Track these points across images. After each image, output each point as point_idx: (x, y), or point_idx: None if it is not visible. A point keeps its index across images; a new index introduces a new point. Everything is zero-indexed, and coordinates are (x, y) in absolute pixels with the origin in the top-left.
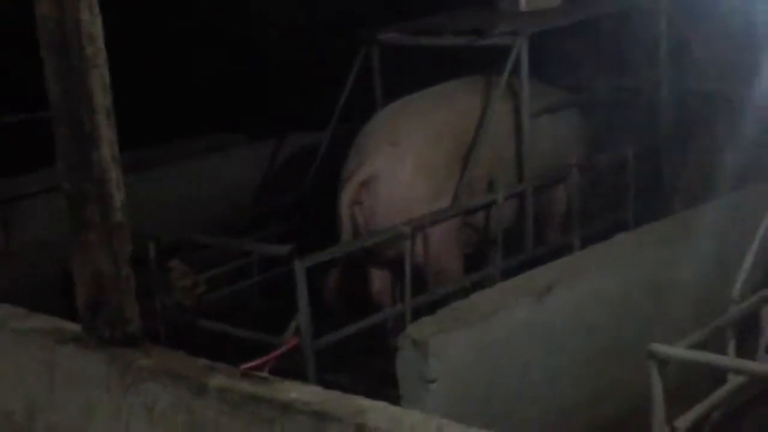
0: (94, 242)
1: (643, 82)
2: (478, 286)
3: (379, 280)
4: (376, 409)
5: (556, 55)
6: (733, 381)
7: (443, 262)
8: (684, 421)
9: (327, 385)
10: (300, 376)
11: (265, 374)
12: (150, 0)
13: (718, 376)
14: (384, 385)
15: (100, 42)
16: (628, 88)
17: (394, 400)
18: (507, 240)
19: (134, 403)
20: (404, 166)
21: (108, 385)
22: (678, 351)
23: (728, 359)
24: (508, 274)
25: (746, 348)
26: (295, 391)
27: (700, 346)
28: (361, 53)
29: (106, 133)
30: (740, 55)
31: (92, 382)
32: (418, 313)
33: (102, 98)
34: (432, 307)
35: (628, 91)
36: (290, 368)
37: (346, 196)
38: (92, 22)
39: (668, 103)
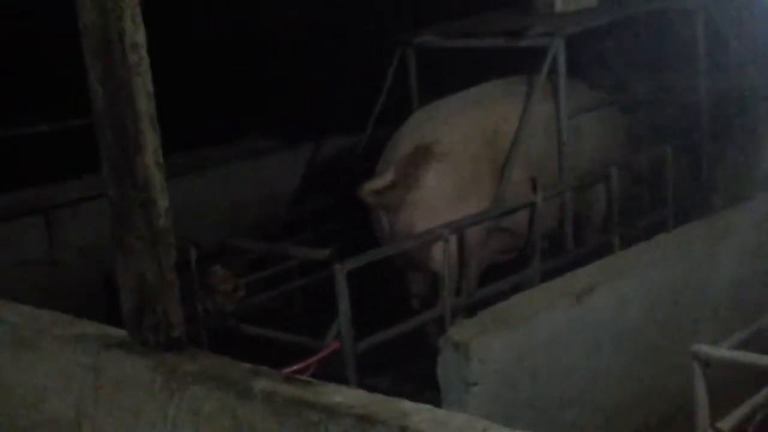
0: (138, 248)
1: (681, 81)
2: (518, 288)
3: (416, 282)
4: (420, 412)
5: (594, 55)
6: None
7: (465, 267)
8: (728, 422)
9: (367, 388)
10: (341, 379)
11: (309, 378)
12: (172, 5)
13: (762, 376)
14: (425, 388)
15: (144, 51)
16: (667, 87)
17: (436, 403)
18: (546, 241)
19: (180, 407)
20: (430, 167)
21: (153, 390)
22: (721, 351)
23: None
24: (547, 275)
25: None
26: (339, 395)
27: (744, 345)
28: (397, 55)
29: (150, 140)
30: None
31: (138, 387)
32: (453, 316)
33: (146, 105)
34: (469, 310)
35: (667, 91)
36: (331, 372)
37: (366, 192)
38: (135, 31)
39: (706, 102)
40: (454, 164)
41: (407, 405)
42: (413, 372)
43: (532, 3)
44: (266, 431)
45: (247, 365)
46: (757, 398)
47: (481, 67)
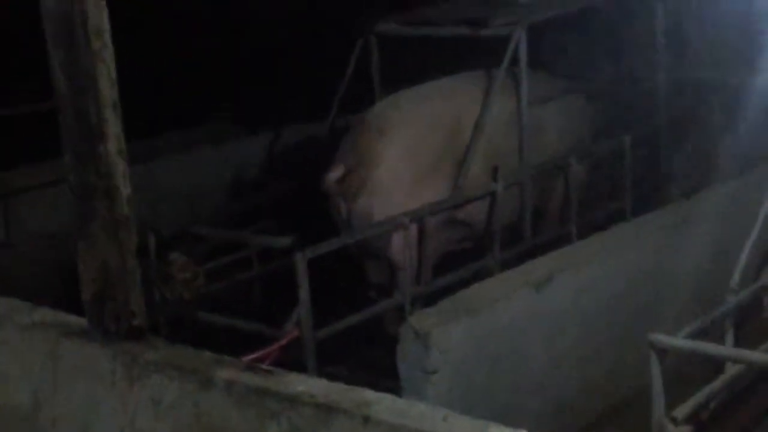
0: (100, 235)
1: (640, 70)
2: (476, 277)
3: (373, 271)
4: (381, 401)
5: (554, 45)
6: (731, 370)
7: (423, 255)
8: (683, 410)
9: (326, 376)
10: (300, 367)
11: (270, 367)
12: None
13: (717, 364)
14: (383, 377)
15: (107, 36)
16: (626, 76)
17: (394, 391)
18: (504, 231)
19: (141, 396)
20: (388, 154)
21: (113, 379)
22: (677, 341)
23: (727, 349)
24: (505, 265)
25: (744, 335)
26: (301, 384)
27: (699, 335)
28: (359, 43)
29: (113, 127)
30: (738, 42)
31: (98, 375)
32: (412, 305)
33: (109, 92)
34: (427, 299)
35: (626, 80)
36: (290, 360)
37: (329, 181)
38: (99, 16)
39: (665, 91)
40: (414, 154)
41: (369, 394)
42: (371, 360)
43: None
44: (227, 420)
45: (209, 354)
46: (712, 387)
47: (443, 55)
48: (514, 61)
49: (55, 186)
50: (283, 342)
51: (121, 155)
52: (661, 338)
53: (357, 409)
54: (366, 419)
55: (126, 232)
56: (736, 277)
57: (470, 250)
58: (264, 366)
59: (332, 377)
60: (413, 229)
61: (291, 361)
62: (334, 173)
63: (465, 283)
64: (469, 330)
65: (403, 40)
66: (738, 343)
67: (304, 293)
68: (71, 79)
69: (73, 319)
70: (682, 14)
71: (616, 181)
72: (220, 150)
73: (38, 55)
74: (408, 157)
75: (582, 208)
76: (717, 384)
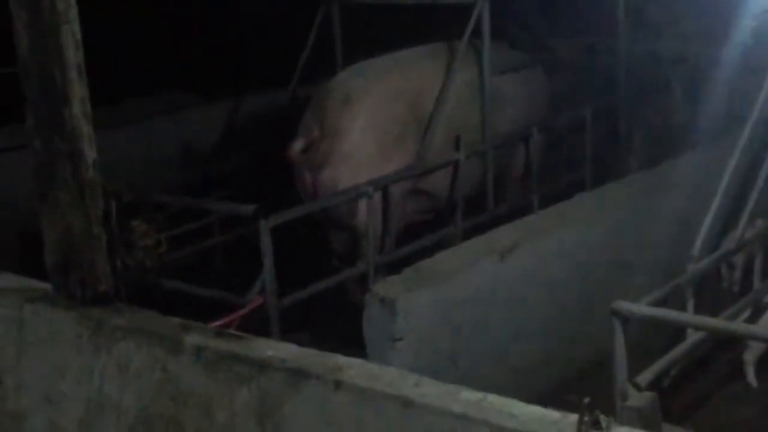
0: (65, 201)
1: (601, 42)
2: (439, 245)
3: (336, 239)
4: (353, 366)
5: (517, 16)
6: (692, 337)
7: (387, 224)
8: (645, 376)
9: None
10: (263, 335)
11: (239, 332)
12: None
13: (676, 333)
14: (345, 345)
15: None
16: (587, 48)
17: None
18: (466, 201)
19: (107, 362)
20: (353, 124)
21: (79, 345)
22: (640, 308)
23: (689, 316)
24: (468, 234)
25: (702, 304)
26: (271, 349)
27: (661, 303)
28: (321, 11)
29: (78, 90)
30: (699, 14)
31: (63, 341)
32: (375, 273)
33: (74, 55)
34: (390, 268)
35: (587, 52)
36: (254, 327)
37: (294, 152)
38: None
39: (624, 64)
40: (378, 123)
41: (340, 359)
42: (333, 328)
43: None
44: (196, 385)
45: (177, 320)
46: (673, 354)
47: (407, 24)
48: (477, 30)
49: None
50: (247, 309)
51: (86, 118)
52: (624, 305)
53: (329, 373)
54: (338, 384)
55: (91, 197)
56: (697, 246)
57: (432, 221)
58: (234, 332)
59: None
60: (377, 197)
61: (254, 328)
62: (299, 144)
63: (427, 252)
64: (434, 297)
65: (365, 7)
66: (697, 311)
67: (267, 261)
68: (35, 41)
69: (37, 284)
70: None
71: (576, 152)
72: (178, 118)
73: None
74: (373, 128)
75: (543, 178)
76: (678, 351)
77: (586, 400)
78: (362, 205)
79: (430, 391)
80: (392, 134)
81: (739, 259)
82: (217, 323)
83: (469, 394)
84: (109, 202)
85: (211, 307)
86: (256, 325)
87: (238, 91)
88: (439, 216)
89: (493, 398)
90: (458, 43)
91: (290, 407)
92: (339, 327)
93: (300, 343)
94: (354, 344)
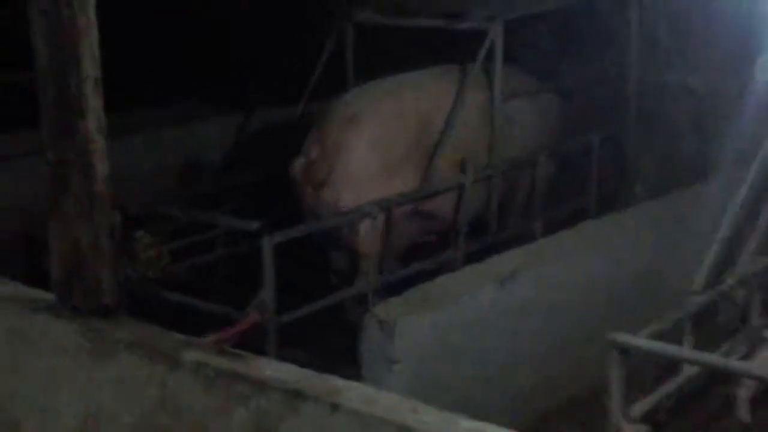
0: (74, 212)
1: (612, 70)
2: (440, 268)
3: (336, 258)
4: (351, 389)
5: (529, 41)
6: (688, 371)
7: (388, 245)
8: (639, 408)
9: (284, 360)
10: (260, 351)
11: (239, 351)
12: None
13: (671, 364)
14: (341, 363)
15: (92, 12)
16: (598, 76)
17: (352, 378)
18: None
19: (106, 375)
20: (357, 143)
21: (79, 356)
22: (639, 341)
23: (687, 351)
24: (469, 258)
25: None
26: (271, 369)
27: (659, 335)
28: (335, 30)
29: (93, 103)
30: (708, 47)
31: (63, 352)
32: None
33: (91, 67)
34: (389, 289)
35: (598, 79)
36: (251, 343)
37: (296, 169)
38: None
39: (635, 92)
40: (383, 143)
41: (339, 382)
42: (329, 346)
43: None
44: (194, 402)
45: (178, 335)
46: (668, 387)
47: (420, 46)
48: (490, 54)
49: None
50: (246, 325)
51: (100, 132)
52: (623, 337)
53: (327, 396)
54: (335, 407)
55: (101, 211)
56: (699, 280)
57: (433, 243)
58: (234, 350)
59: (290, 361)
60: (380, 218)
61: (251, 344)
62: (301, 161)
63: (428, 275)
64: (434, 321)
65: (379, 28)
66: (694, 344)
67: (269, 277)
68: (53, 52)
69: (42, 294)
70: (656, 16)
71: (582, 179)
72: (189, 130)
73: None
74: (377, 148)
75: (547, 204)
76: (673, 384)
77: None
78: (365, 225)
79: (429, 418)
80: (397, 154)
81: (740, 294)
82: (215, 337)
83: (468, 424)
84: (114, 215)
85: (212, 320)
86: (254, 341)
87: (249, 105)
88: (443, 238)
89: (492, 429)
90: (470, 65)
91: (287, 428)
92: (335, 344)
93: (295, 360)
94: (349, 362)
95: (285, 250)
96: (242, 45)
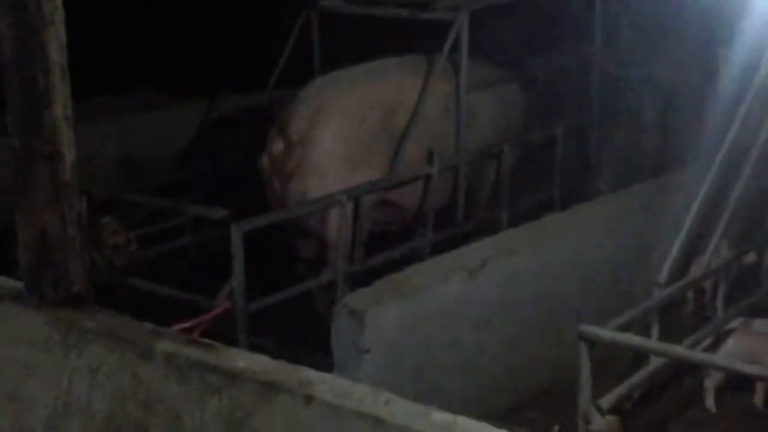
0: (41, 201)
1: (576, 62)
2: (407, 258)
3: (304, 247)
4: (324, 381)
5: (495, 32)
6: (655, 362)
7: (356, 234)
8: (608, 399)
9: (253, 349)
10: (228, 338)
11: (211, 341)
12: None
13: (638, 355)
14: (309, 351)
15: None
16: (562, 67)
17: (322, 366)
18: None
19: (77, 365)
20: (324, 134)
21: (49, 345)
22: (607, 333)
23: (654, 343)
24: (436, 246)
25: (665, 328)
26: (243, 360)
27: (626, 327)
28: (300, 18)
29: (60, 92)
30: (671, 40)
31: (32, 342)
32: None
33: (57, 56)
34: (356, 278)
35: (562, 71)
36: (219, 330)
37: (264, 160)
38: None
39: (599, 85)
40: (349, 134)
41: (312, 374)
42: (297, 335)
43: None
44: (166, 393)
45: (149, 325)
46: (636, 378)
47: (386, 34)
48: (455, 45)
49: None
50: (215, 313)
51: (66, 121)
52: (591, 329)
53: (300, 388)
54: (308, 399)
55: (68, 199)
56: (665, 272)
57: (396, 231)
58: (206, 340)
59: (258, 350)
60: (349, 207)
61: (220, 332)
62: (269, 151)
63: (395, 263)
64: (403, 311)
65: (345, 16)
66: (660, 335)
67: (237, 265)
68: (19, 41)
69: (8, 283)
70: (620, 9)
71: (546, 170)
72: (153, 118)
73: None
74: (343, 138)
75: (512, 195)
76: (640, 375)
77: (557, 428)
78: (333, 214)
79: (401, 410)
80: (363, 145)
81: (707, 285)
82: (184, 325)
83: (440, 416)
84: (80, 200)
85: (180, 308)
86: (223, 329)
87: (214, 93)
88: (406, 227)
89: (463, 421)
90: (436, 56)
91: (260, 420)
92: (304, 332)
93: (265, 349)
94: (318, 351)
95: (253, 239)
96: (208, 32)
